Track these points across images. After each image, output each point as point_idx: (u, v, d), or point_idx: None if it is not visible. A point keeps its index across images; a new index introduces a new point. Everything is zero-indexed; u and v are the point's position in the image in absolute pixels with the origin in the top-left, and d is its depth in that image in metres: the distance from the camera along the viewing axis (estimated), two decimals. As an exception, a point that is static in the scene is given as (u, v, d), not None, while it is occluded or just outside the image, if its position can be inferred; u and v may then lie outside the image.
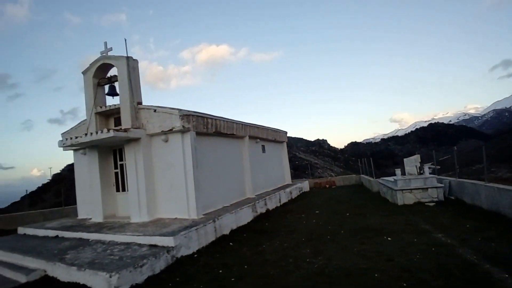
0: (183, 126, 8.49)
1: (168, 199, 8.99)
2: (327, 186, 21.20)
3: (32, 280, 6.02)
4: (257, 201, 11.15)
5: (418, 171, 12.22)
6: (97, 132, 8.26)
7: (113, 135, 7.95)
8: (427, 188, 11.37)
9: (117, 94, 9.73)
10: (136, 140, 8.91)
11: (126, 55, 9.17)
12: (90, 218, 10.07)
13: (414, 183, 11.55)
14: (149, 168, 9.06)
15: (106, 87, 10.09)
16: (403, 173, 12.44)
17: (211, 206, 9.60)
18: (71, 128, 10.80)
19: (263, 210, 11.59)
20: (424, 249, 6.26)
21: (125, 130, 8.37)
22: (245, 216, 9.97)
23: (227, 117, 10.99)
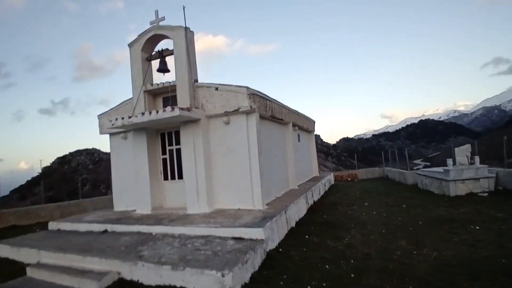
0: (250, 107, 7.67)
1: (228, 188, 8.20)
2: (349, 179, 20.76)
3: (105, 286, 4.93)
4: (307, 193, 10.48)
5: (469, 161, 11.80)
6: (157, 111, 7.34)
7: (178, 114, 7.05)
8: (479, 179, 11.06)
9: (168, 70, 8.81)
10: (194, 121, 8.04)
11: (184, 25, 8.20)
12: (134, 210, 9.16)
13: (466, 174, 11.18)
14: (207, 153, 8.23)
15: (154, 63, 9.13)
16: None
17: (268, 196, 8.86)
18: (111, 109, 9.78)
19: (311, 202, 10.95)
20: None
21: (188, 110, 7.49)
22: (302, 208, 9.30)
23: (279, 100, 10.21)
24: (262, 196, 7.90)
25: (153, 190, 8.88)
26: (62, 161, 73.17)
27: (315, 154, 18.07)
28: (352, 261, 5.46)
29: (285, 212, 7.47)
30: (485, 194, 10.58)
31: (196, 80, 8.40)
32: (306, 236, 7.16)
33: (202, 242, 5.87)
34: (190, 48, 8.23)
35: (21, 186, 63.51)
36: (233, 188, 8.12)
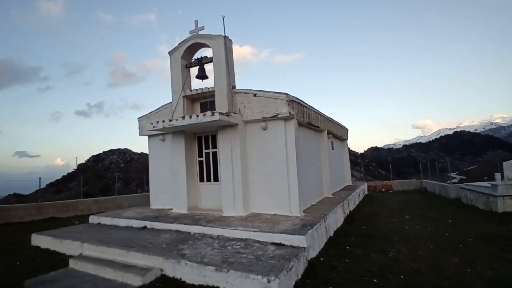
0: (289, 113, 7.58)
1: (264, 192, 8.11)
2: (383, 190, 19.91)
3: (148, 282, 4.95)
4: (344, 202, 10.12)
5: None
6: (197, 115, 7.47)
7: (218, 118, 7.14)
8: (528, 195, 10.08)
9: (206, 77, 9.03)
10: (232, 126, 8.08)
11: (223, 34, 8.35)
12: (171, 209, 9.33)
13: (516, 189, 10.26)
14: (244, 157, 8.21)
15: (192, 70, 9.38)
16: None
17: (304, 203, 8.64)
18: (150, 113, 10.12)
19: (348, 212, 10.56)
20: None
21: (227, 114, 7.54)
22: (340, 218, 8.98)
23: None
24: (300, 203, 7.72)
25: (190, 191, 8.99)
26: (96, 159, 77.11)
27: (348, 163, 17.55)
28: (402, 276, 5.11)
29: (325, 220, 7.22)
30: (537, 212, 9.66)
31: (234, 86, 8.48)
32: (347, 247, 6.86)
33: (241, 245, 5.80)
34: (228, 56, 8.36)
35: (57, 180, 67.46)
36: (269, 193, 8.02)
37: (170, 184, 9.41)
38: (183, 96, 9.07)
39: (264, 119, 7.99)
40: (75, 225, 9.63)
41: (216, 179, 9.00)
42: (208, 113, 7.33)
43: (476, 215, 10.04)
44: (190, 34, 9.07)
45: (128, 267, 5.38)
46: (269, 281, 4.16)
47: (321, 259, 6.01)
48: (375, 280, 4.97)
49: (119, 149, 76.63)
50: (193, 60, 9.35)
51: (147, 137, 10.57)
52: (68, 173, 71.92)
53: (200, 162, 9.32)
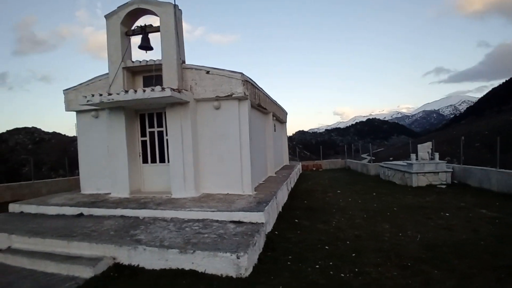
0: (244, 93, 7.50)
1: (216, 173, 7.99)
2: (314, 168, 21.66)
3: (100, 272, 4.48)
4: (287, 180, 10.70)
5: (430, 156, 12.96)
6: (144, 90, 6.79)
7: (170, 95, 6.61)
8: (438, 172, 12.24)
9: (151, 48, 8.20)
10: (182, 104, 7.61)
11: (173, 3, 7.64)
12: (108, 193, 8.47)
13: (427, 167, 12.30)
14: (195, 137, 7.89)
15: (133, 39, 8.42)
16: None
17: (253, 182, 8.84)
18: (80, 85, 8.76)
19: (290, 189, 11.23)
20: (488, 221, 6.85)
21: (179, 91, 7.06)
22: (285, 194, 9.50)
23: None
24: (252, 182, 7.87)
25: (131, 173, 8.27)
26: (-1, 138, 64.56)
27: (286, 144, 18.49)
28: (347, 242, 5.74)
29: (275, 197, 7.55)
30: (444, 186, 11.75)
31: (184, 61, 7.93)
32: (296, 220, 7.35)
33: (200, 226, 5.68)
34: (178, 27, 7.71)
35: None
36: (221, 173, 7.94)
37: (107, 167, 8.50)
38: (123, 68, 8.10)
39: (218, 98, 7.74)
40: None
41: (162, 160, 8.49)
42: (158, 88, 6.74)
43: (395, 189, 11.76)
44: (131, -4, 8.04)
45: (74, 259, 4.77)
46: (238, 257, 4.21)
47: (276, 232, 6.32)
48: (326, 247, 5.47)
49: (26, 127, 65.38)
50: (135, 28, 8.33)
51: (74, 113, 9.24)
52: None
53: (143, 142, 8.62)
